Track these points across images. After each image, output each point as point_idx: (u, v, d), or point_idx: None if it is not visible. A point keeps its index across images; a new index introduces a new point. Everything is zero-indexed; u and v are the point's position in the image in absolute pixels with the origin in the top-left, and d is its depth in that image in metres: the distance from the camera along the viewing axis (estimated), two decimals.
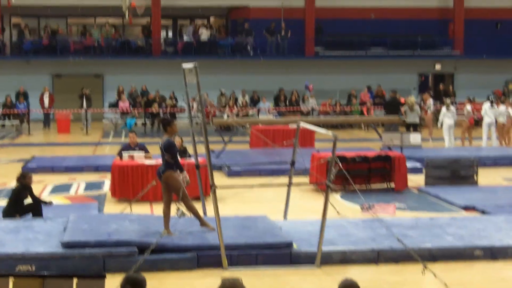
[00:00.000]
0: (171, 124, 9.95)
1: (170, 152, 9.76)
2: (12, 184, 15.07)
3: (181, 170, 9.84)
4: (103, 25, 33.08)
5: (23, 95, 28.83)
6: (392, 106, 25.06)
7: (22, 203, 11.02)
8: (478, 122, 23.27)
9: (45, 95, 28.77)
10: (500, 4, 34.38)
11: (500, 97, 27.06)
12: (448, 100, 21.98)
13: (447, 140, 21.10)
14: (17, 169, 16.79)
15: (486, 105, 21.53)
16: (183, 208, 9.79)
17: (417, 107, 21.71)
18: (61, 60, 31.86)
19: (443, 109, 21.49)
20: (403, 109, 21.71)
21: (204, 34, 32.74)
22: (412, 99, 22.07)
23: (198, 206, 11.28)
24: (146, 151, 14.47)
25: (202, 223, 9.92)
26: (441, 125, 21.40)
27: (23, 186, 10.98)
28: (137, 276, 5.19)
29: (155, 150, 17.88)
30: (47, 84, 30.64)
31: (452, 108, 21.52)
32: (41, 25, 34.11)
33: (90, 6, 32.58)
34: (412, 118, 21.20)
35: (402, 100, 27.78)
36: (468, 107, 21.68)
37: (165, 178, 9.80)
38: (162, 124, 10.18)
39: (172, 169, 9.78)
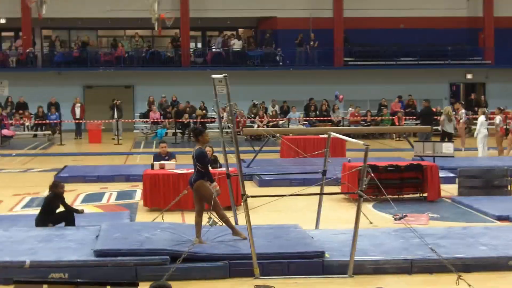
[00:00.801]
0: (202, 134, 9.97)
1: (202, 161, 9.78)
2: (45, 193, 15.24)
3: (212, 181, 9.85)
4: (133, 37, 33.33)
5: (54, 106, 29.13)
6: (426, 115, 24.93)
7: (55, 212, 11.09)
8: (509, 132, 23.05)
9: (76, 106, 29.04)
10: None
11: None
12: (485, 110, 21.88)
13: (480, 150, 20.91)
14: (49, 179, 16.96)
15: None
16: (214, 217, 9.78)
17: (453, 117, 21.66)
18: (91, 72, 32.19)
19: (481, 118, 21.21)
20: (441, 118, 21.60)
21: (236, 45, 32.85)
22: (449, 108, 21.99)
23: (229, 215, 11.27)
24: (175, 160, 14.53)
25: (234, 232, 9.91)
26: (477, 134, 21.22)
27: (56, 195, 11.04)
28: (164, 283, 5.16)
29: (185, 160, 17.97)
30: (78, 95, 30.94)
31: (497, 117, 21.34)
32: (72, 37, 34.48)
33: (119, 18, 32.86)
34: (450, 128, 21.16)
35: (434, 109, 27.66)
36: (498, 117, 21.44)
37: (196, 187, 9.81)
38: (193, 133, 10.20)
39: (203, 179, 9.80)
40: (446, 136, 21.12)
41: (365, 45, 33.54)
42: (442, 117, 21.61)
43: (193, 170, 13.07)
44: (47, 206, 11.05)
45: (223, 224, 10.02)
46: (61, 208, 11.15)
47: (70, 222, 11.05)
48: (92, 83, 32.82)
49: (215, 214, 9.85)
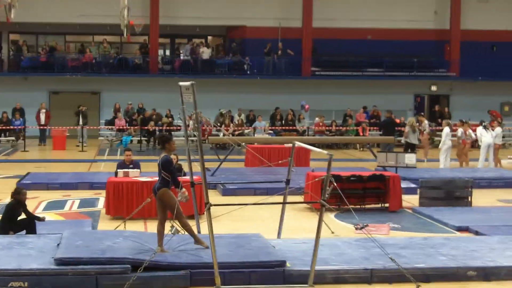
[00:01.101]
0: (169, 141, 9.98)
1: (167, 169, 9.78)
2: (7, 200, 15.10)
3: (179, 187, 9.84)
4: (101, 43, 33.20)
5: (19, 112, 28.87)
6: (388, 126, 25.12)
7: (16, 219, 11.01)
8: (473, 144, 23.40)
9: (41, 112, 28.80)
10: (496, 27, 34.54)
11: (496, 118, 27.17)
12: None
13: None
14: (12, 185, 16.79)
15: (480, 129, 21.63)
16: (177, 225, 9.79)
17: (417, 128, 21.90)
18: (58, 77, 31.96)
19: (446, 129, 21.42)
20: (405, 129, 21.80)
21: (205, 53, 32.87)
22: (414, 119, 22.24)
23: (192, 223, 11.29)
24: (139, 169, 14.49)
25: (197, 240, 9.92)
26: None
27: (17, 202, 10.97)
28: None
29: (150, 168, 17.93)
30: (44, 100, 30.68)
31: (459, 129, 21.57)
32: (39, 42, 34.23)
33: (88, 24, 32.70)
34: (414, 139, 21.39)
35: (398, 120, 27.91)
36: (460, 129, 21.72)
37: (160, 195, 9.81)
38: (160, 141, 10.19)
39: (167, 187, 9.80)
40: (410, 147, 21.34)
41: (333, 56, 33.76)
42: (407, 128, 21.82)
43: (157, 178, 13.09)
44: (8, 213, 10.96)
45: (186, 232, 10.02)
46: (22, 216, 11.07)
47: (31, 229, 10.98)
48: (58, 89, 32.59)
49: (177, 222, 9.86)
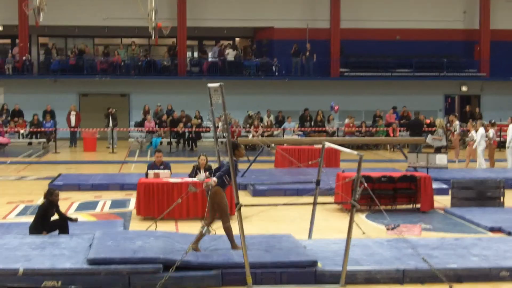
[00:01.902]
0: (238, 148, 10.12)
1: (227, 172, 9.81)
2: (40, 201, 15.26)
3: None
4: (129, 45, 33.41)
5: (49, 114, 29.15)
6: (415, 127, 25.02)
7: (49, 220, 11.11)
8: (502, 144, 23.16)
9: (72, 114, 29.05)
10: None
11: None
12: (485, 122, 21.94)
13: (482, 162, 20.97)
14: (44, 187, 16.98)
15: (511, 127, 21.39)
16: (210, 225, 9.82)
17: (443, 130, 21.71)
18: (87, 79, 32.24)
19: (481, 130, 21.25)
20: (439, 131, 21.57)
21: (231, 55, 32.95)
22: (442, 121, 21.97)
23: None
24: (169, 170, 14.56)
25: (234, 246, 9.91)
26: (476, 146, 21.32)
27: (50, 203, 11.06)
28: None
29: (180, 169, 18.03)
30: (74, 102, 30.95)
31: (491, 130, 21.32)
32: (68, 45, 34.55)
33: (116, 27, 32.95)
34: (442, 141, 21.13)
35: (427, 121, 27.73)
36: (491, 130, 21.45)
37: (212, 193, 9.86)
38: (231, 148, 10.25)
39: (222, 187, 9.92)
40: (440, 149, 21.08)
41: (361, 57, 33.69)
42: (439, 132, 21.51)
43: (187, 179, 13.16)
44: (41, 214, 11.06)
45: (216, 232, 10.06)
46: (55, 216, 11.17)
47: (64, 230, 11.07)
48: (87, 91, 32.87)
49: (212, 224, 9.90)
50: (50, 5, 22.53)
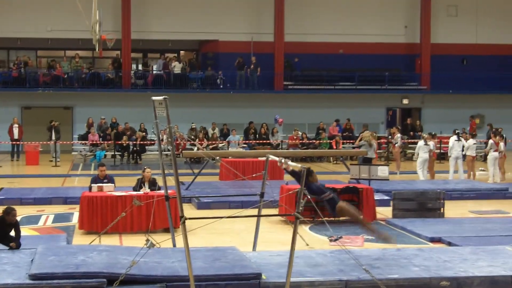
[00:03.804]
0: (312, 174, 10.59)
1: (321, 192, 10.56)
2: None
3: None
4: (73, 57, 33.11)
5: None
6: None
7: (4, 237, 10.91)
8: (442, 156, 23.58)
9: (14, 126, 28.62)
10: (465, 40, 35.07)
11: (472, 130, 27.47)
12: (425, 135, 22.26)
13: (420, 173, 21.29)
14: None
15: (453, 139, 21.89)
16: (152, 239, 9.81)
17: (374, 142, 21.68)
18: (30, 92, 31.82)
19: (420, 142, 21.69)
20: (359, 144, 21.67)
21: (177, 67, 32.93)
22: (368, 134, 21.91)
23: (167, 237, 11.32)
24: (113, 183, 14.49)
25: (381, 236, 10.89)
26: (417, 157, 21.66)
27: (2, 221, 10.87)
28: None
29: (124, 182, 17.93)
30: (16, 115, 30.50)
31: (430, 142, 21.64)
32: (11, 57, 34.06)
33: (60, 39, 32.62)
34: (371, 153, 21.10)
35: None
36: (431, 142, 21.85)
37: (339, 210, 10.57)
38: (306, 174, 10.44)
39: (337, 201, 10.58)
40: (366, 162, 20.84)
41: (305, 70, 34.01)
42: (361, 143, 21.54)
43: (131, 193, 13.11)
44: None
45: (160, 246, 10.05)
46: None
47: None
48: (30, 104, 32.43)
49: (152, 237, 9.88)
50: None
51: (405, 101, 34.93)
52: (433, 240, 12.84)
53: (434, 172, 21.90)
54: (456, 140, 21.75)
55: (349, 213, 10.69)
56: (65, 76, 32.15)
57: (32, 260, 9.81)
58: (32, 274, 9.06)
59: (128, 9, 32.33)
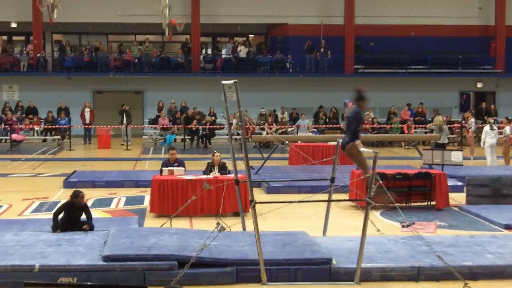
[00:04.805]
0: (364, 99, 10.60)
1: (359, 120, 10.42)
2: (54, 198, 15.37)
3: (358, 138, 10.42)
4: (143, 42, 33.46)
5: (64, 111, 29.26)
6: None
7: (68, 220, 11.07)
8: None
9: (86, 111, 29.13)
10: None
11: None
12: (491, 119, 21.70)
13: (489, 159, 20.82)
14: (59, 184, 17.09)
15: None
16: (223, 222, 9.81)
17: (445, 127, 21.17)
18: (101, 77, 32.31)
19: (486, 128, 21.22)
20: (430, 128, 21.27)
21: (243, 51, 32.94)
22: (440, 118, 21.50)
23: (238, 221, 11.33)
24: (183, 167, 14.58)
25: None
26: (483, 144, 21.15)
27: (70, 204, 11.05)
28: (178, 286, 5.23)
29: (194, 166, 18.05)
30: (88, 100, 31.03)
31: (495, 127, 21.16)
32: (82, 42, 34.65)
33: (130, 24, 32.98)
34: (442, 138, 20.67)
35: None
36: (507, 127, 21.26)
37: (348, 149, 10.35)
38: (356, 97, 10.65)
39: (354, 141, 10.32)
40: (440, 147, 20.44)
41: (376, 53, 33.57)
42: (432, 127, 21.12)
43: (201, 176, 13.18)
44: (56, 211, 11.08)
45: (230, 229, 10.05)
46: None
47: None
48: (101, 88, 32.94)
49: (223, 220, 9.89)
50: (64, 2, 22.59)
51: (479, 85, 34.16)
52: (508, 227, 12.53)
53: (510, 158, 21.33)
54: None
55: (356, 159, 10.54)
56: (136, 60, 32.52)
57: (105, 242, 9.96)
58: (105, 255, 9.19)
59: None
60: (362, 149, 10.20)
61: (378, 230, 11.99)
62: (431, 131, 21.03)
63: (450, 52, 33.41)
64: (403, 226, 12.03)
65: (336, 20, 33.20)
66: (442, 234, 11.82)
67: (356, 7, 33.02)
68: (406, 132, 28.37)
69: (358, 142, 10.35)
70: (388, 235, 11.44)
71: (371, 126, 29.33)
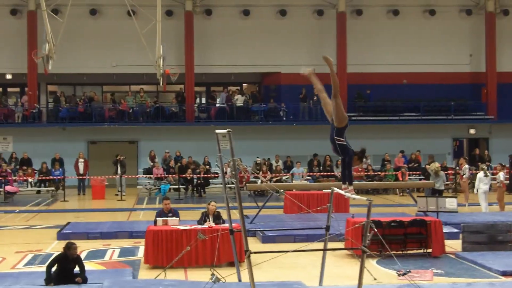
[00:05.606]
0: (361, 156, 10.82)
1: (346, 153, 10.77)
2: (47, 250, 15.23)
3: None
4: (138, 92, 33.62)
5: (58, 162, 29.23)
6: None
7: (61, 272, 10.96)
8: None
9: (80, 161, 29.10)
10: None
11: None
12: (484, 166, 21.73)
13: (483, 205, 20.80)
14: (52, 235, 16.96)
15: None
16: (217, 273, 9.73)
17: (442, 173, 21.12)
18: (96, 127, 32.36)
19: (480, 174, 21.23)
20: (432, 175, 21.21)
21: (240, 100, 33.11)
22: (436, 164, 21.53)
23: (232, 271, 11.23)
24: (178, 217, 14.50)
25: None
26: (477, 190, 21.13)
27: (64, 256, 10.96)
28: None
29: (189, 216, 17.96)
30: (82, 150, 31.03)
31: (489, 173, 21.17)
32: (77, 93, 34.77)
33: (125, 74, 33.18)
34: (438, 184, 20.64)
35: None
36: (501, 173, 21.29)
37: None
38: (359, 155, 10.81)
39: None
40: (436, 193, 20.37)
41: (369, 101, 33.77)
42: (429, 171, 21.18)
43: (196, 226, 13.12)
44: (50, 264, 10.97)
45: (225, 280, 9.96)
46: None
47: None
48: (96, 139, 32.98)
49: (217, 270, 9.81)
50: (59, 53, 22.76)
51: (472, 131, 34.32)
52: (505, 273, 12.44)
53: (504, 204, 21.32)
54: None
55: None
56: (130, 110, 32.63)
57: None
58: None
59: (191, 43, 32.74)
60: (355, 196, 10.09)
61: (375, 279, 11.89)
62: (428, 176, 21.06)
63: (442, 99, 33.65)
64: (399, 275, 11.94)
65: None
66: (439, 282, 11.73)
67: (348, 56, 33.30)
68: (401, 179, 28.37)
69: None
70: (384, 284, 11.35)
71: (366, 173, 29.32)
